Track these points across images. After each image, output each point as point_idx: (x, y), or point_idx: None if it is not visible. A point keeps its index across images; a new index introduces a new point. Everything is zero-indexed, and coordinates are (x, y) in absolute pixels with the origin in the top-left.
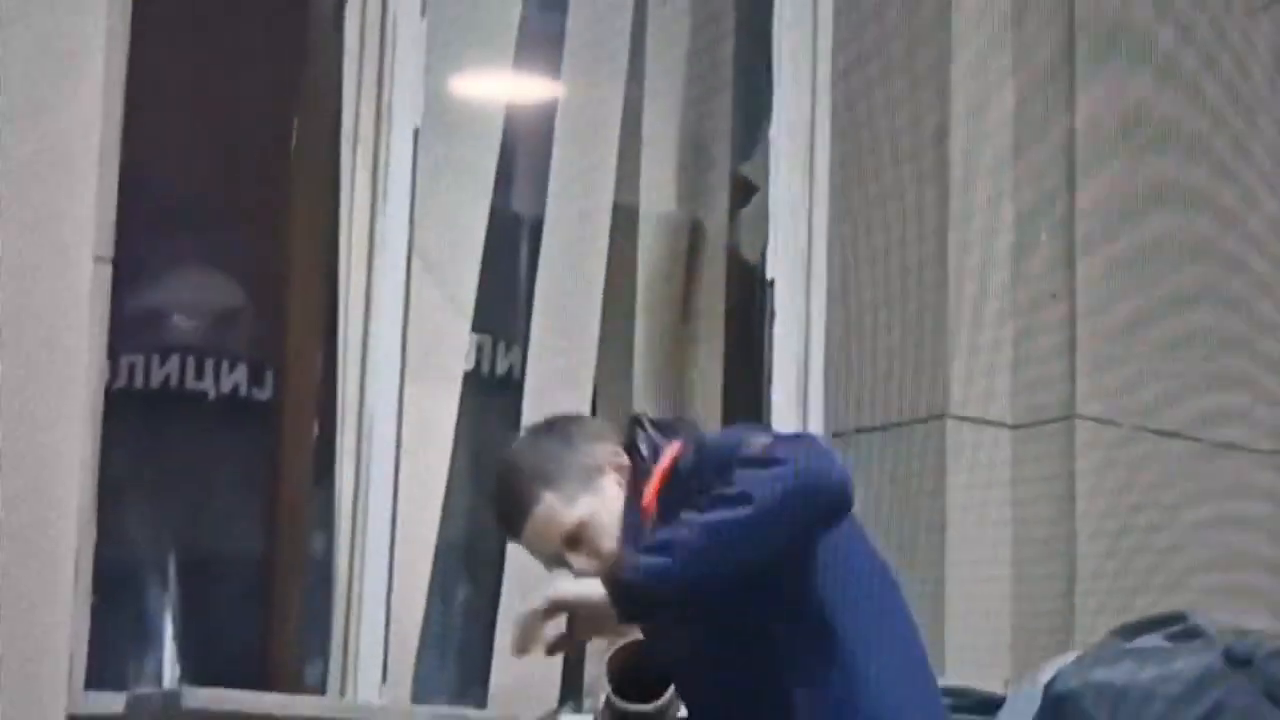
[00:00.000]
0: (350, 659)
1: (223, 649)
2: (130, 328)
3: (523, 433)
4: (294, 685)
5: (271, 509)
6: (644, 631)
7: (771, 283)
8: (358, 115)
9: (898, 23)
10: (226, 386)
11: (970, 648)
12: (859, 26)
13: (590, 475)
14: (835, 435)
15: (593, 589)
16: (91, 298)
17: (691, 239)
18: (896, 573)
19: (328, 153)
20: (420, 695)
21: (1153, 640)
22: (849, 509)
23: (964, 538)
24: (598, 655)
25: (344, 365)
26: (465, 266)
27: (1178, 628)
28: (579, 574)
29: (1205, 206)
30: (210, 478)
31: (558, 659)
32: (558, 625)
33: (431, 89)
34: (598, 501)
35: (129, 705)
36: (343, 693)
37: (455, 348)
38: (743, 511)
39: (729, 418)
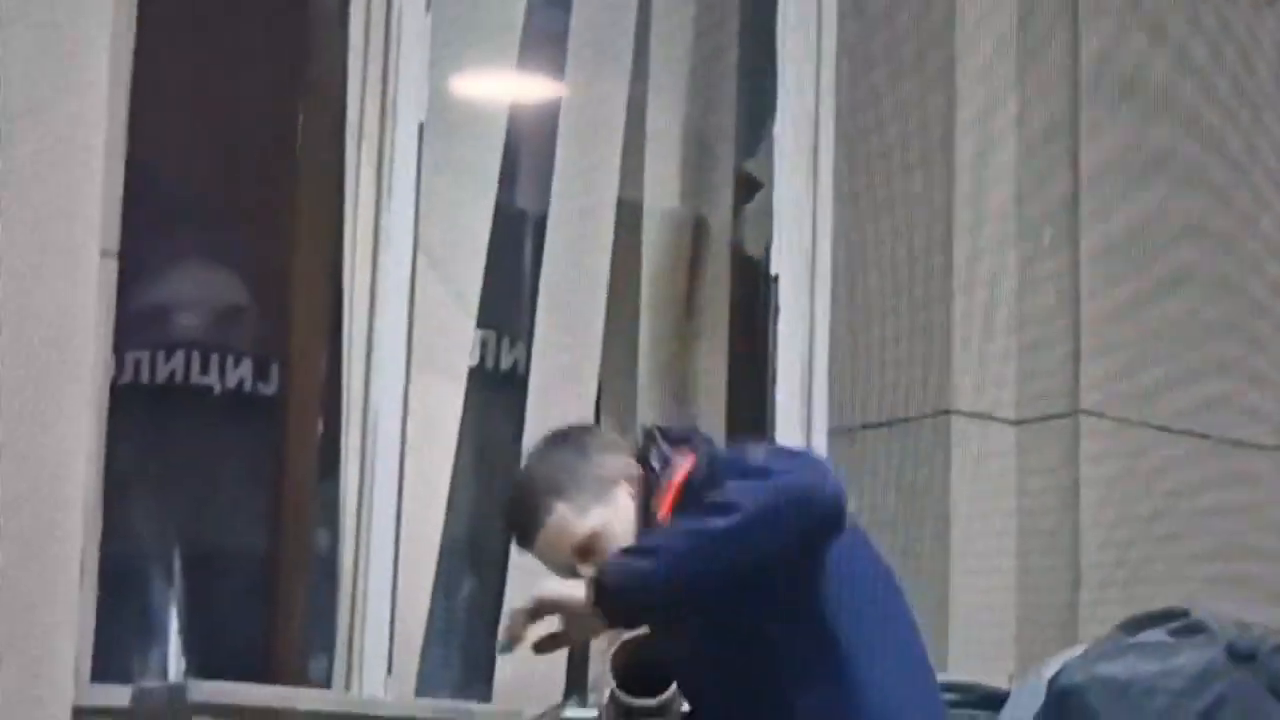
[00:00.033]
0: (355, 654)
1: (228, 643)
2: (136, 323)
3: (536, 443)
4: (299, 679)
5: (277, 504)
6: (650, 629)
7: (776, 279)
8: (362, 111)
9: (905, 25)
10: (231, 382)
11: (975, 642)
12: (864, 28)
13: (603, 486)
14: (839, 432)
15: (578, 590)
16: (97, 293)
17: (696, 235)
18: (900, 579)
19: (332, 149)
20: (425, 690)
21: (1156, 635)
22: (840, 521)
23: (968, 533)
24: (603, 650)
25: (349, 361)
26: (470, 262)
27: (1181, 623)
28: None
29: (1218, 206)
30: (215, 473)
31: (561, 654)
32: (548, 624)
33: (436, 85)
34: (610, 512)
35: (134, 698)
36: (347, 687)
37: (460, 343)
38: (727, 520)
39: (733, 414)
